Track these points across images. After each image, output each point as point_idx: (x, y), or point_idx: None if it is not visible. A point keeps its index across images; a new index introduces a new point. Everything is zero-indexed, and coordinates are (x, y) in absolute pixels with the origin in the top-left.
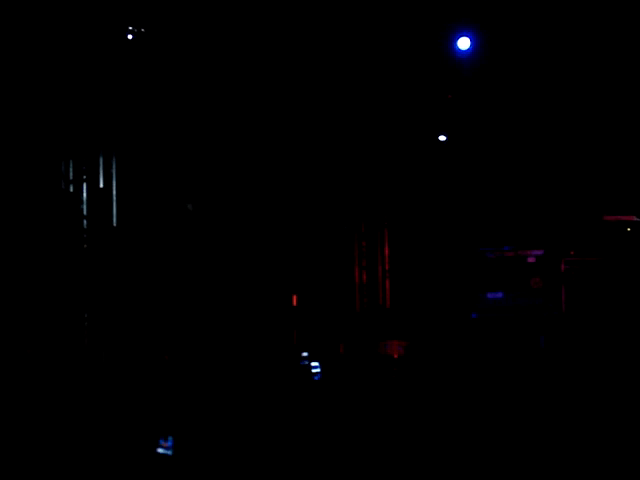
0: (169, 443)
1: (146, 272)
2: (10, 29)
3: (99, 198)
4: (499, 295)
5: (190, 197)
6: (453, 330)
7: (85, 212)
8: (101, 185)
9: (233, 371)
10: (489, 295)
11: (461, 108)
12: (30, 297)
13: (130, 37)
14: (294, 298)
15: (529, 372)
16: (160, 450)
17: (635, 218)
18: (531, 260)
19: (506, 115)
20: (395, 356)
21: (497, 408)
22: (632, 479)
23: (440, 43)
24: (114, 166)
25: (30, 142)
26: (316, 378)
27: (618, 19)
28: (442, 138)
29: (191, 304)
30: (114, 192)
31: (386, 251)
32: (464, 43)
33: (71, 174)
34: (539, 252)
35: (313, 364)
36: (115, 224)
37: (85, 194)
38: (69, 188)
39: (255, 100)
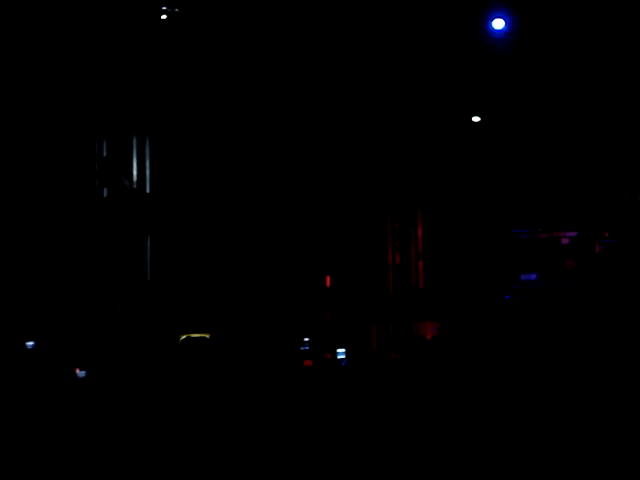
0: None
1: (181, 252)
2: (43, 8)
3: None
4: (532, 277)
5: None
6: (486, 311)
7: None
8: (134, 166)
9: (262, 353)
10: (523, 277)
11: (495, 89)
12: (62, 278)
13: (164, 17)
14: (327, 279)
15: (563, 355)
16: None
17: None
18: (565, 242)
19: (541, 96)
20: (428, 337)
21: (531, 392)
22: None
23: (474, 23)
24: (147, 146)
25: (64, 122)
26: (343, 364)
27: None
28: (476, 119)
29: (224, 284)
30: (147, 172)
31: (419, 232)
32: (499, 23)
33: (104, 154)
34: (573, 234)
35: (339, 350)
36: (149, 205)
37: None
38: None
39: (290, 82)
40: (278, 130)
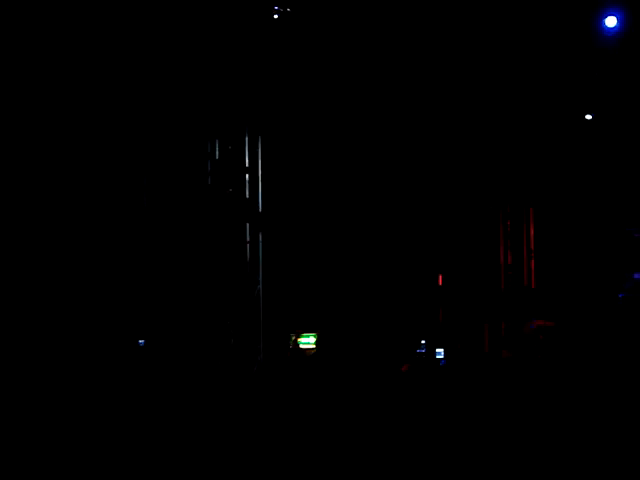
0: None
1: (293, 251)
2: (159, 13)
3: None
4: None
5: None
6: (600, 310)
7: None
8: (247, 164)
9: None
10: (636, 275)
11: (608, 86)
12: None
13: (276, 17)
14: (440, 278)
15: None
16: None
17: None
18: None
19: None
20: (540, 337)
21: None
22: None
23: (587, 20)
24: (260, 145)
25: (178, 123)
26: (441, 364)
27: None
28: (588, 117)
29: (337, 284)
30: (259, 172)
31: (531, 231)
32: (611, 21)
33: (217, 154)
34: None
35: (437, 350)
36: (261, 203)
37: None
38: (215, 168)
39: (400, 85)
40: (387, 132)
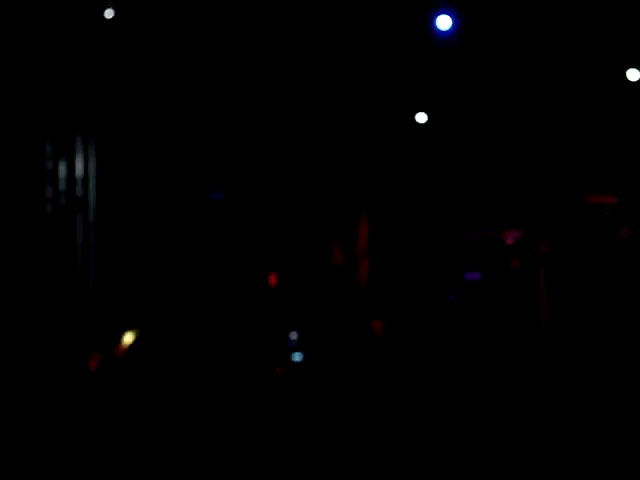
0: None
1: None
2: None
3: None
4: (476, 276)
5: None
6: (430, 310)
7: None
8: (79, 166)
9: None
10: (467, 276)
11: (442, 87)
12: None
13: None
14: (272, 278)
15: (506, 355)
16: None
17: (614, 200)
18: (510, 242)
19: (487, 96)
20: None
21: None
22: None
23: (420, 21)
24: (92, 146)
25: (11, 123)
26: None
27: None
28: (421, 119)
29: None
30: (92, 171)
31: (364, 233)
32: (444, 21)
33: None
34: (518, 234)
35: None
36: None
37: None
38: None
39: (228, 82)
40: (223, 130)
